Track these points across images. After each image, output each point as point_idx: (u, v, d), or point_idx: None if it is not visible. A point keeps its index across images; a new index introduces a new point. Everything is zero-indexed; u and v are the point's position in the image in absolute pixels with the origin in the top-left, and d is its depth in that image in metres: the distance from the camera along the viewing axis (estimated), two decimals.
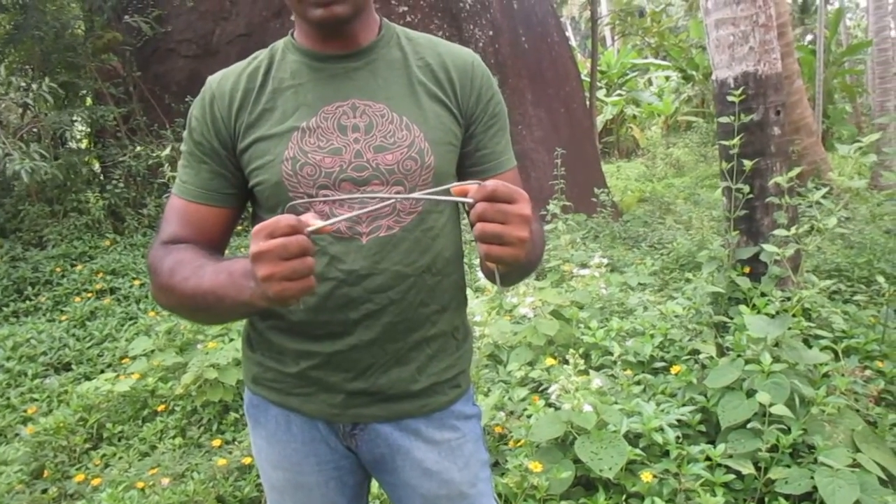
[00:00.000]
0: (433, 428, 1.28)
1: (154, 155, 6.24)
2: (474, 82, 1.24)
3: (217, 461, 2.89)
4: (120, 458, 3.16)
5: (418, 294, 1.20)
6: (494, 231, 0.87)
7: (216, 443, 3.14)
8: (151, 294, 1.19)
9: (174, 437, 3.24)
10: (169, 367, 3.65)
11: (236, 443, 3.13)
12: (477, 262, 4.01)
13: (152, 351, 3.75)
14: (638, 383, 2.82)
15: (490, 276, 1.20)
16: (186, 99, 7.26)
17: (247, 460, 2.89)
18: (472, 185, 0.89)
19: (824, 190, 2.94)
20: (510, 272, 1.09)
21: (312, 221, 0.91)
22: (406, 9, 7.33)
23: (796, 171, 3.13)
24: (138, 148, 6.64)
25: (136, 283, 5.54)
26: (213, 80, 1.23)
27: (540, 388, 2.97)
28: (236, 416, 3.34)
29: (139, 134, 7.40)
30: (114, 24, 7.39)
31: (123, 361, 4.18)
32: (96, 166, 7.65)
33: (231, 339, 3.77)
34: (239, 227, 1.61)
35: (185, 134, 1.24)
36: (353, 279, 1.15)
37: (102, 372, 4.15)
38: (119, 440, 3.33)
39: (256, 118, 1.17)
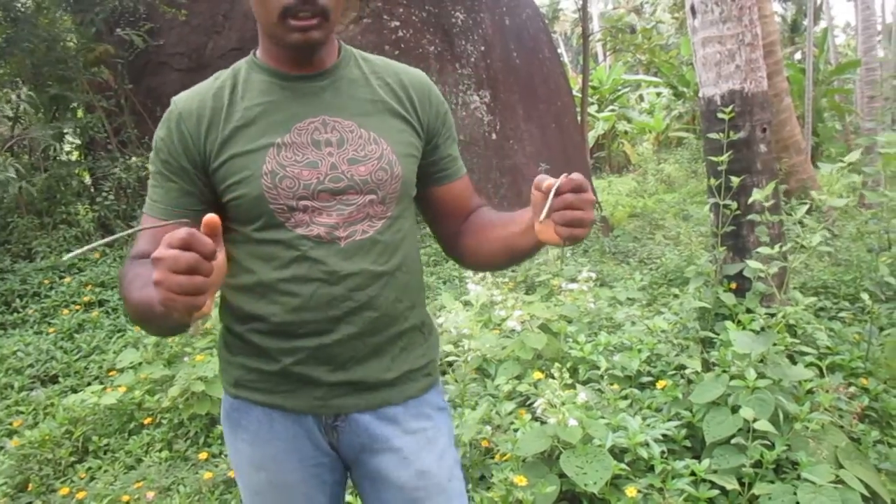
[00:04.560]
0: (410, 416, 1.35)
1: (144, 168, 6.24)
2: (432, 99, 1.37)
3: (203, 474, 2.89)
4: (105, 471, 3.14)
5: (393, 291, 1.29)
6: (580, 217, 1.10)
7: (202, 456, 3.13)
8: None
9: (160, 451, 3.23)
10: (156, 379, 3.64)
11: (223, 456, 3.12)
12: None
13: (140, 363, 3.74)
14: (624, 398, 2.82)
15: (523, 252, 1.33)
16: None
17: (233, 473, 2.88)
18: (559, 180, 1.09)
19: (807, 206, 2.98)
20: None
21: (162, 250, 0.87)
22: (398, 24, 7.38)
23: (772, 187, 3.15)
24: (133, 159, 6.62)
25: None
26: (178, 101, 1.28)
27: (527, 402, 2.97)
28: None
29: (130, 146, 7.40)
30: (106, 37, 7.40)
31: (110, 374, 4.16)
32: (87, 178, 7.64)
33: None
34: None
35: (151, 155, 1.28)
36: (334, 279, 1.23)
37: (89, 384, 4.13)
38: (105, 453, 3.31)
39: (229, 135, 1.23)
